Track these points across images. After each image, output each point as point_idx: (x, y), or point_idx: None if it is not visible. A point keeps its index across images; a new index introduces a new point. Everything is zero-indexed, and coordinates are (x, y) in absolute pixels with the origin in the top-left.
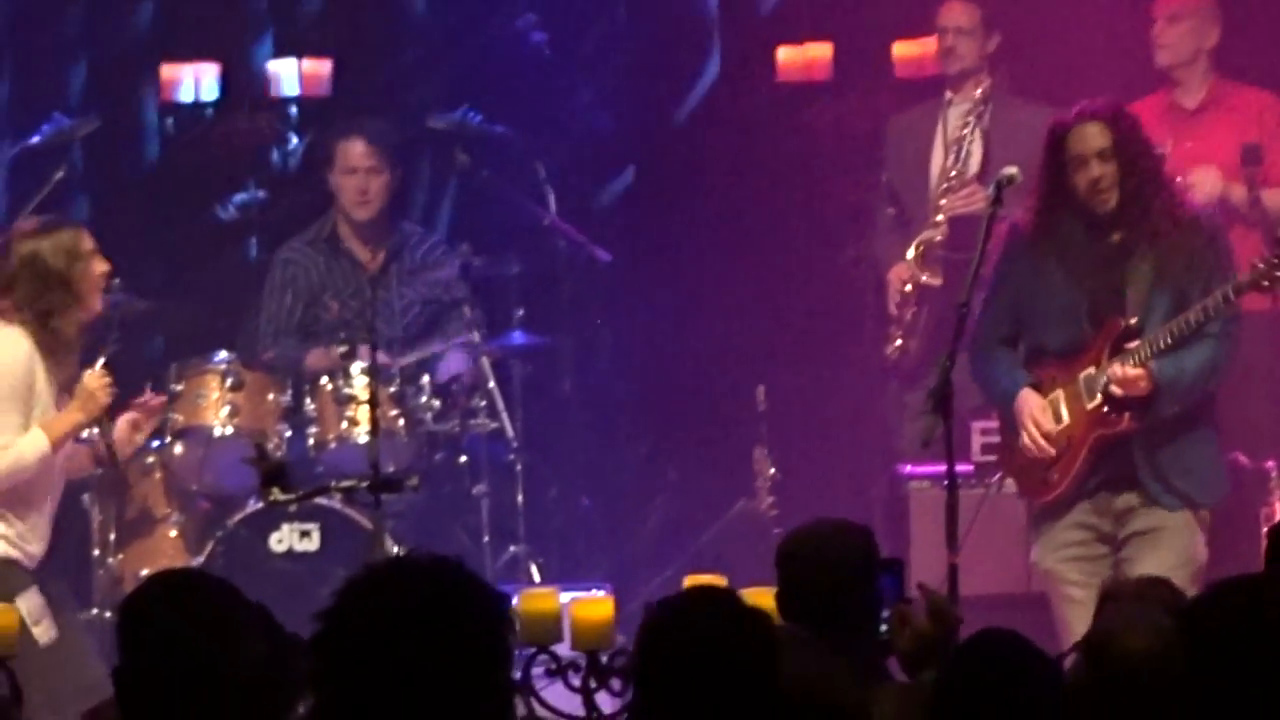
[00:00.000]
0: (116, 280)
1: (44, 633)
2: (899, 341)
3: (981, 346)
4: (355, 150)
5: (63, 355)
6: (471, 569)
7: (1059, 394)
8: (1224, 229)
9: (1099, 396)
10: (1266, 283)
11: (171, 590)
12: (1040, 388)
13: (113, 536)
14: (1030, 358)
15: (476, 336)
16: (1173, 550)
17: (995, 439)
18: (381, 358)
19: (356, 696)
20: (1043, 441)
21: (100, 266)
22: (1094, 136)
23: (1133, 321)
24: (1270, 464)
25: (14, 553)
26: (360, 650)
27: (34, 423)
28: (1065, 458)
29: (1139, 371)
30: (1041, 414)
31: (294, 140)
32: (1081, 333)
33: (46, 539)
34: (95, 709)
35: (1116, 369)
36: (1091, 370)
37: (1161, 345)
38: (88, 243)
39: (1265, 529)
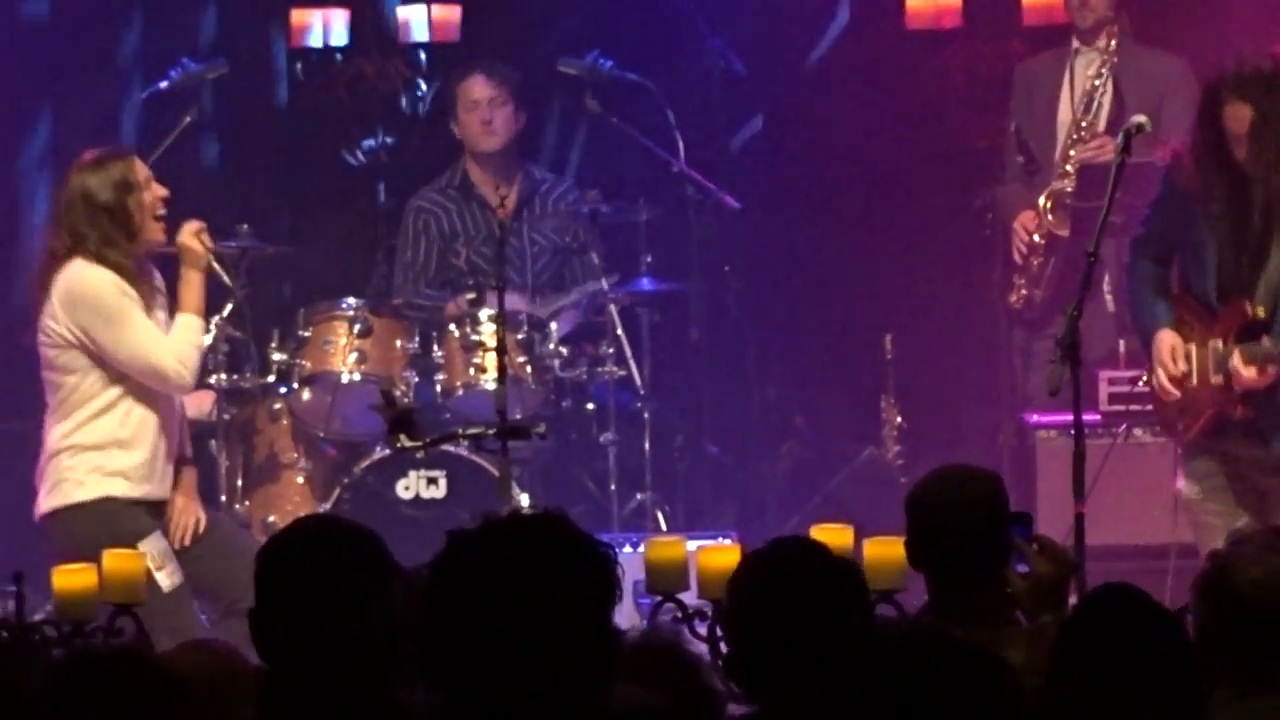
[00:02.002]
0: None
1: (168, 578)
2: (1024, 290)
3: (1134, 259)
4: (476, 84)
5: (136, 284)
6: (576, 522)
7: (1193, 347)
8: None
9: (1223, 376)
10: None
11: (314, 535)
12: (1180, 328)
13: (240, 483)
14: (1178, 288)
15: (605, 283)
16: None
17: (1123, 388)
18: (517, 302)
19: (465, 645)
20: (1170, 387)
21: (156, 193)
22: (1239, 117)
23: (1260, 313)
24: None
25: (135, 492)
26: (468, 602)
27: None
28: (1191, 411)
29: (1254, 374)
30: (1172, 360)
31: (423, 86)
32: (1219, 290)
33: (167, 481)
34: (204, 642)
35: (1241, 366)
36: (1219, 344)
37: None
38: (140, 172)
39: None
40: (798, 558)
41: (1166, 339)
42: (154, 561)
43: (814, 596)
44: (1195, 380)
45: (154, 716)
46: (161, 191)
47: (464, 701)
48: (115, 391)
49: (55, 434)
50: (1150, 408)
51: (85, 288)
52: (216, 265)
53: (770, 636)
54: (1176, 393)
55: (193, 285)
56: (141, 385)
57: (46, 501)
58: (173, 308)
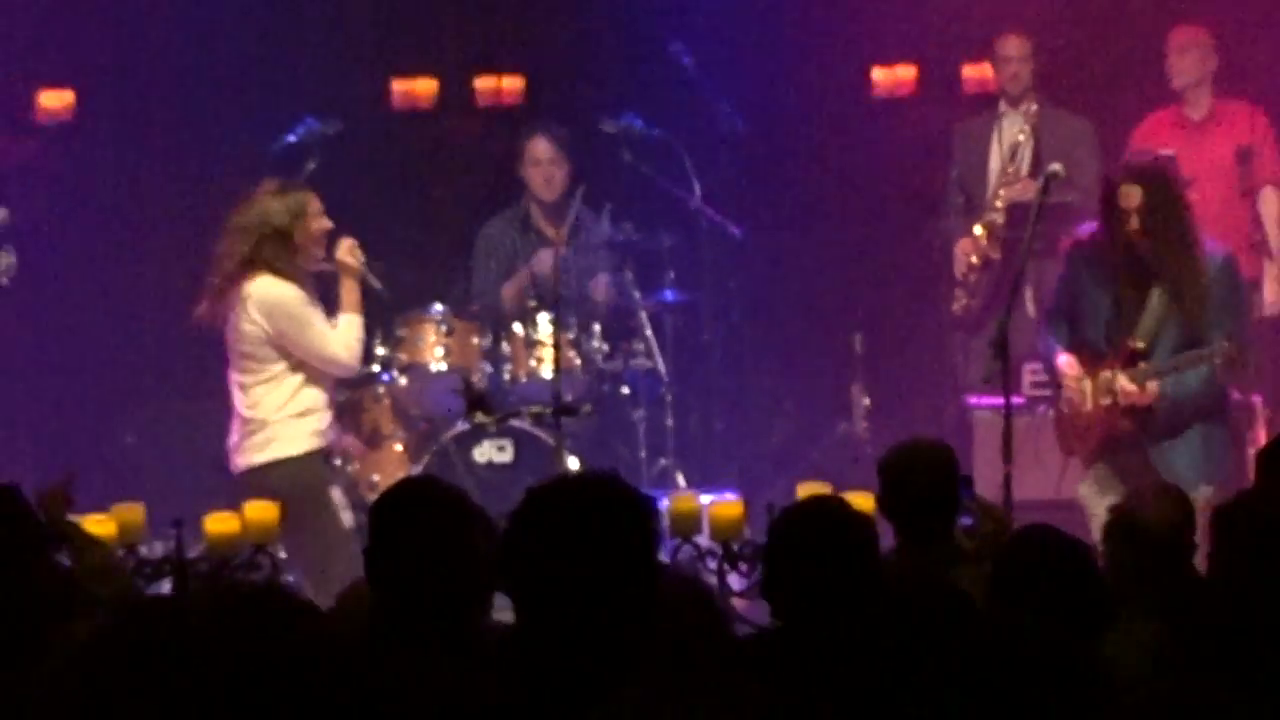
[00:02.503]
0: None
1: (349, 519)
2: (963, 301)
3: (1045, 328)
4: (539, 146)
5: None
6: (626, 479)
7: (1087, 381)
8: (1238, 273)
9: (1110, 398)
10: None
11: (419, 491)
12: (1084, 364)
13: (333, 433)
14: (1073, 343)
15: (637, 294)
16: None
17: (1042, 377)
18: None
19: (538, 579)
20: (1076, 385)
21: (322, 225)
22: (1130, 196)
23: (1140, 345)
24: (1257, 398)
25: (319, 444)
26: (540, 542)
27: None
28: (1086, 434)
29: (1136, 390)
30: (1072, 370)
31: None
32: (1107, 337)
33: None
34: (350, 590)
35: (1125, 384)
36: (1108, 374)
37: (1164, 372)
38: (315, 204)
39: (1252, 452)
40: (825, 511)
41: (1064, 358)
42: (340, 503)
43: (838, 540)
44: (1089, 406)
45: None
46: (328, 224)
47: (540, 625)
48: (303, 373)
49: (267, 403)
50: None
51: (273, 297)
52: (368, 274)
53: (801, 569)
54: (1081, 391)
55: (351, 291)
56: (314, 367)
57: (263, 455)
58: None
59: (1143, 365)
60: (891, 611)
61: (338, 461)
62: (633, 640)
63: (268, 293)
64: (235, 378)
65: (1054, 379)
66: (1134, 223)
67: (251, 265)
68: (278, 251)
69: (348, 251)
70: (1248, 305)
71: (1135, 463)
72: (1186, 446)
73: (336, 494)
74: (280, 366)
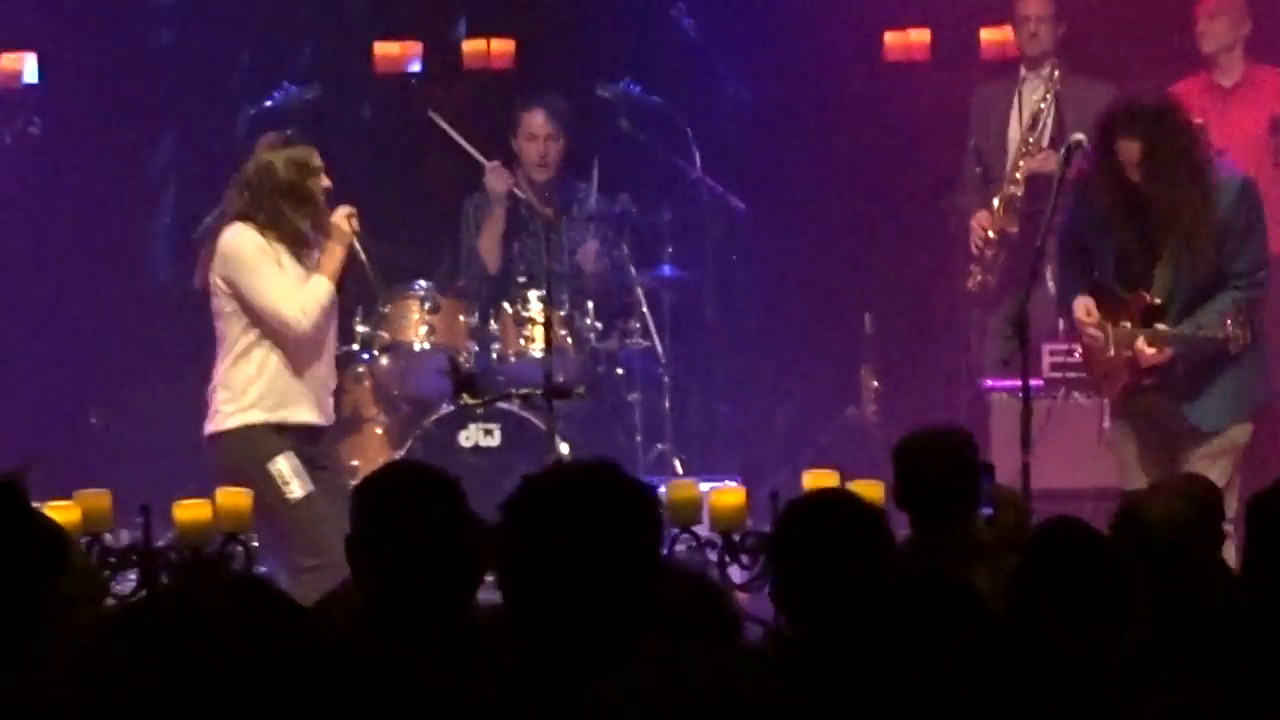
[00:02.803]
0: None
1: (295, 490)
2: (979, 277)
3: (1060, 253)
4: (536, 120)
5: (299, 250)
6: (624, 467)
7: (1108, 325)
8: (1257, 199)
9: (1131, 352)
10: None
11: (403, 476)
12: (1102, 309)
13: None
14: (1091, 280)
15: (633, 269)
16: (1211, 444)
17: (1062, 359)
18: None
19: (535, 577)
20: (1094, 330)
21: (324, 182)
22: (1128, 150)
23: (1157, 301)
24: None
25: (273, 417)
26: (537, 539)
27: None
28: (1111, 377)
29: (1154, 353)
30: (1087, 314)
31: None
32: (1122, 282)
33: (318, 407)
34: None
35: (1144, 347)
36: (1127, 325)
37: (1177, 340)
38: (317, 160)
39: None
40: (835, 506)
41: (1081, 302)
42: (283, 478)
43: (849, 537)
44: (1112, 352)
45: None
46: (328, 183)
47: (537, 620)
48: (252, 336)
49: (218, 370)
50: (1084, 375)
51: (232, 245)
52: (359, 247)
53: (810, 569)
54: (1098, 335)
55: (333, 255)
56: (271, 332)
57: (208, 426)
58: None
59: (1159, 327)
60: (895, 611)
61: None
62: (633, 638)
63: (225, 240)
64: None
65: (1069, 319)
66: (1136, 175)
67: (238, 219)
68: (285, 207)
69: (344, 217)
70: (1265, 226)
71: (1164, 409)
72: (1214, 398)
73: (282, 464)
74: (231, 327)
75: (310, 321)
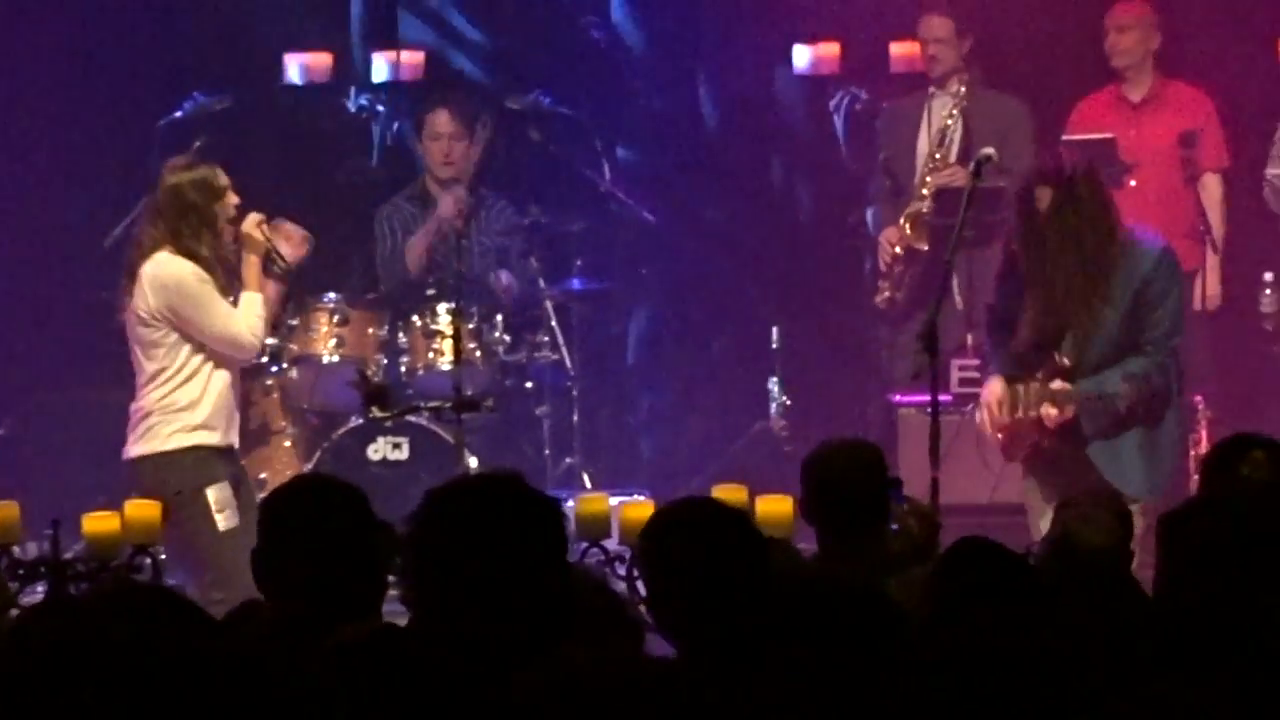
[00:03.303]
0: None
1: (224, 520)
2: (887, 293)
3: (985, 328)
4: (440, 119)
5: (214, 271)
6: (529, 479)
7: (1020, 387)
8: (1177, 266)
9: (1037, 413)
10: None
11: (308, 490)
12: (1013, 379)
13: (237, 446)
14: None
15: (542, 282)
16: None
17: (971, 374)
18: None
19: (440, 589)
20: (988, 428)
21: (232, 200)
22: (1043, 199)
23: (1066, 362)
24: (1198, 398)
25: (210, 439)
26: (442, 551)
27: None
28: (1019, 438)
29: (1058, 414)
30: (996, 402)
31: (392, 119)
32: (1038, 346)
33: (235, 426)
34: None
35: (1047, 408)
36: (1036, 386)
37: (1077, 391)
38: (222, 179)
39: (1193, 454)
40: (698, 513)
41: (993, 385)
42: (216, 506)
43: (714, 545)
44: (1021, 412)
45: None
46: (235, 199)
47: (444, 632)
48: (197, 360)
49: (153, 395)
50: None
51: (171, 276)
52: (274, 251)
53: (679, 579)
54: (992, 434)
55: (253, 267)
56: (216, 353)
57: (138, 448)
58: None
59: (1059, 384)
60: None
61: None
62: (541, 646)
63: (161, 270)
64: (135, 364)
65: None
66: (1048, 226)
67: (161, 243)
68: (196, 231)
69: (254, 225)
70: (1185, 298)
71: (1068, 475)
72: (1124, 453)
73: (216, 493)
74: (172, 353)
75: (260, 339)
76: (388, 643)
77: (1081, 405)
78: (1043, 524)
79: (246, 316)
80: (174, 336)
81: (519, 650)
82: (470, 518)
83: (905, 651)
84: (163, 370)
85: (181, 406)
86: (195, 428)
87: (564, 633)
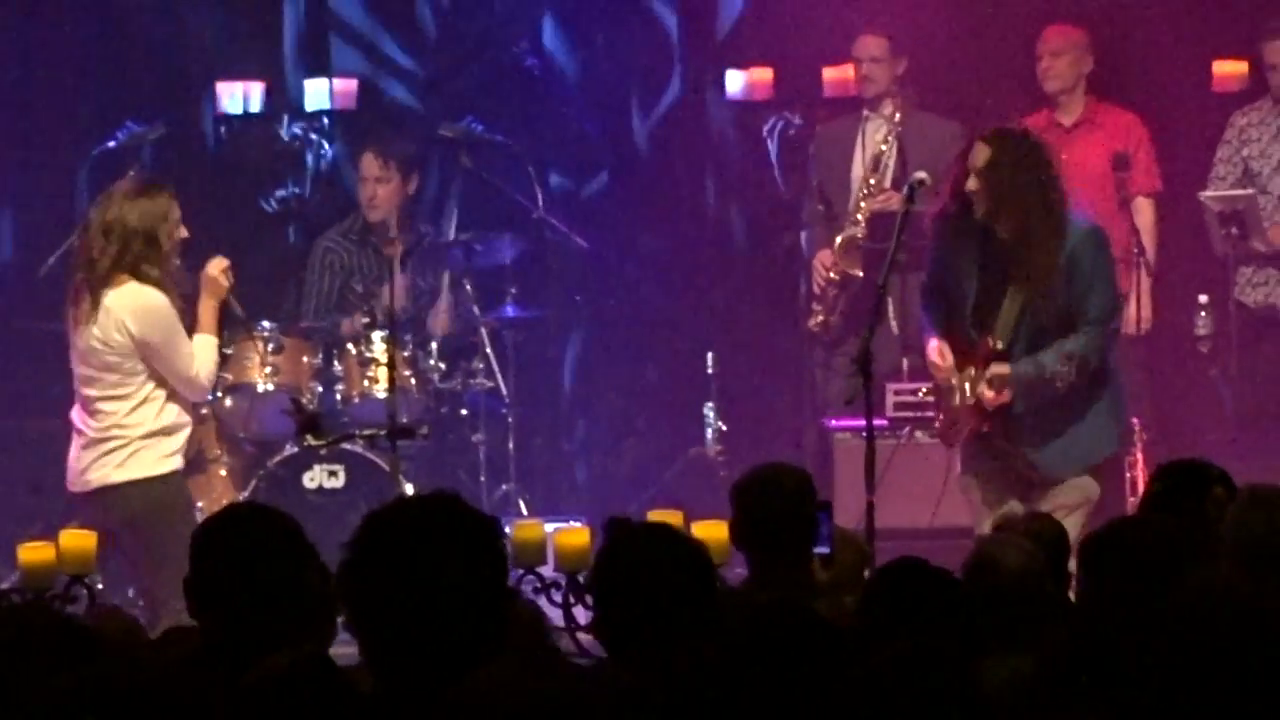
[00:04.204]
0: (176, 262)
1: None
2: (821, 317)
3: (922, 306)
4: (366, 161)
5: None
6: (467, 500)
7: (957, 373)
8: (1105, 242)
9: (974, 398)
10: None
11: (241, 519)
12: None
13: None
14: (948, 324)
15: (476, 309)
16: (1064, 497)
17: (907, 398)
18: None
19: (381, 610)
20: (943, 377)
21: (180, 232)
22: (979, 153)
23: (999, 345)
24: (1134, 420)
25: (181, 465)
26: (381, 571)
27: None
28: (957, 425)
29: (994, 396)
30: (939, 356)
31: (325, 146)
32: (975, 321)
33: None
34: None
35: (983, 390)
36: (971, 371)
37: (1013, 374)
38: (176, 211)
39: (1128, 475)
40: (654, 539)
41: (934, 345)
42: None
43: (667, 569)
44: (958, 400)
45: (60, 663)
46: (184, 233)
47: (385, 656)
48: (164, 390)
49: (121, 421)
50: (929, 415)
51: (151, 308)
52: (232, 298)
53: (629, 602)
54: (948, 378)
55: (211, 311)
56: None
57: (117, 474)
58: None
59: (995, 368)
60: (751, 642)
61: None
62: (481, 664)
63: (138, 301)
64: (86, 393)
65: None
66: (973, 183)
67: (117, 270)
68: (147, 256)
69: (220, 270)
70: (1115, 274)
71: (1012, 454)
72: (1063, 444)
73: (199, 516)
74: (141, 380)
75: (211, 384)
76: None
77: (1017, 386)
78: (985, 525)
79: (203, 360)
80: (132, 362)
81: (455, 670)
82: (409, 539)
83: (837, 669)
84: (132, 395)
85: (165, 429)
86: (174, 453)
87: (498, 652)
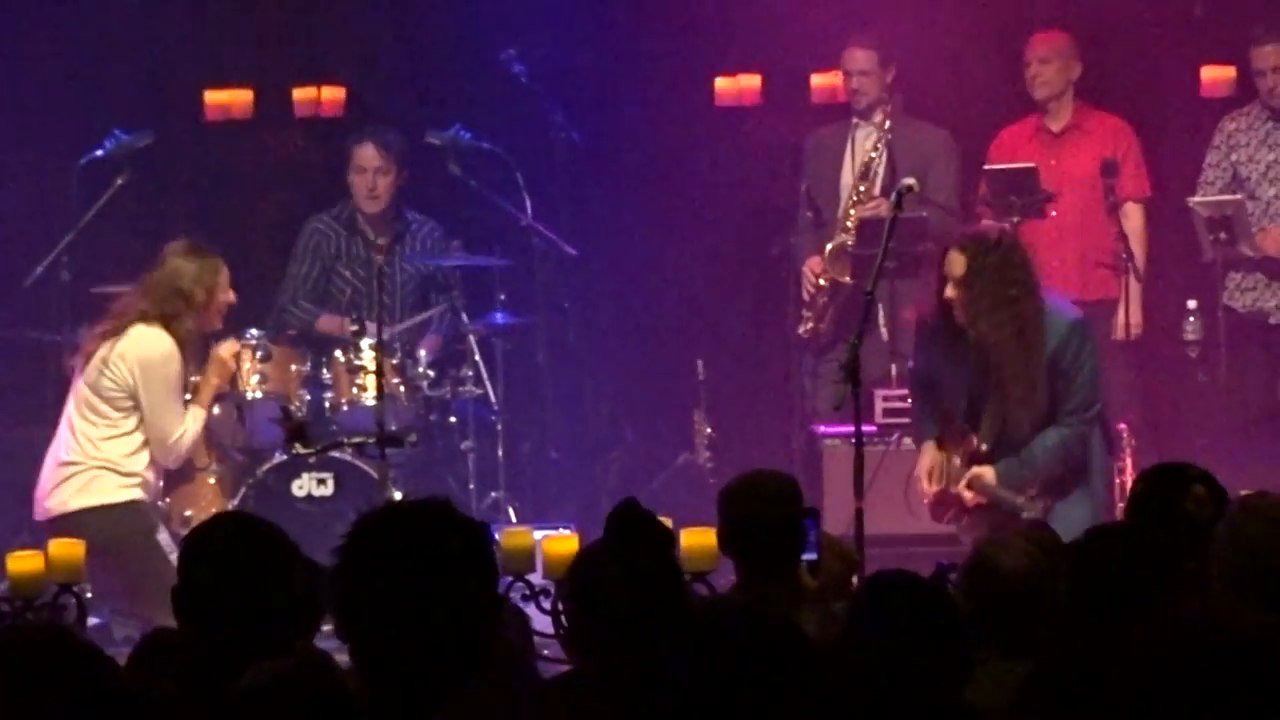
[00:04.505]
0: None
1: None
2: (810, 323)
3: (911, 392)
4: (365, 153)
5: (184, 353)
6: (456, 506)
7: (944, 458)
8: (1088, 336)
9: (954, 490)
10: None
11: (230, 528)
12: (942, 443)
13: (161, 483)
14: (939, 415)
15: (465, 318)
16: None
17: (895, 404)
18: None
19: (371, 616)
20: (923, 488)
21: (228, 297)
22: (955, 263)
23: (984, 448)
24: (1122, 426)
25: (147, 497)
26: (371, 577)
27: None
28: (945, 504)
29: (974, 497)
30: (926, 473)
31: (312, 153)
32: (968, 416)
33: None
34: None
35: (964, 490)
36: (956, 462)
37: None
38: (225, 274)
39: (1117, 480)
40: (624, 549)
41: (925, 455)
42: (167, 550)
43: (635, 580)
44: (947, 482)
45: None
46: (232, 298)
47: (374, 662)
48: (143, 437)
49: (96, 451)
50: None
51: (162, 355)
52: (237, 386)
53: (600, 613)
54: (928, 496)
55: (210, 387)
56: None
57: (79, 499)
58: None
59: (977, 471)
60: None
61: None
62: (471, 671)
63: (151, 347)
64: (73, 422)
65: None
66: (951, 292)
67: (150, 316)
68: (183, 311)
69: (230, 353)
70: (1099, 366)
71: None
72: (1078, 515)
73: (165, 538)
74: (131, 420)
75: (184, 454)
76: (299, 679)
77: (992, 498)
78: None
79: (188, 428)
80: (124, 393)
81: (447, 678)
82: (400, 545)
83: (815, 682)
84: (117, 429)
85: (116, 459)
86: (136, 484)
87: (488, 660)
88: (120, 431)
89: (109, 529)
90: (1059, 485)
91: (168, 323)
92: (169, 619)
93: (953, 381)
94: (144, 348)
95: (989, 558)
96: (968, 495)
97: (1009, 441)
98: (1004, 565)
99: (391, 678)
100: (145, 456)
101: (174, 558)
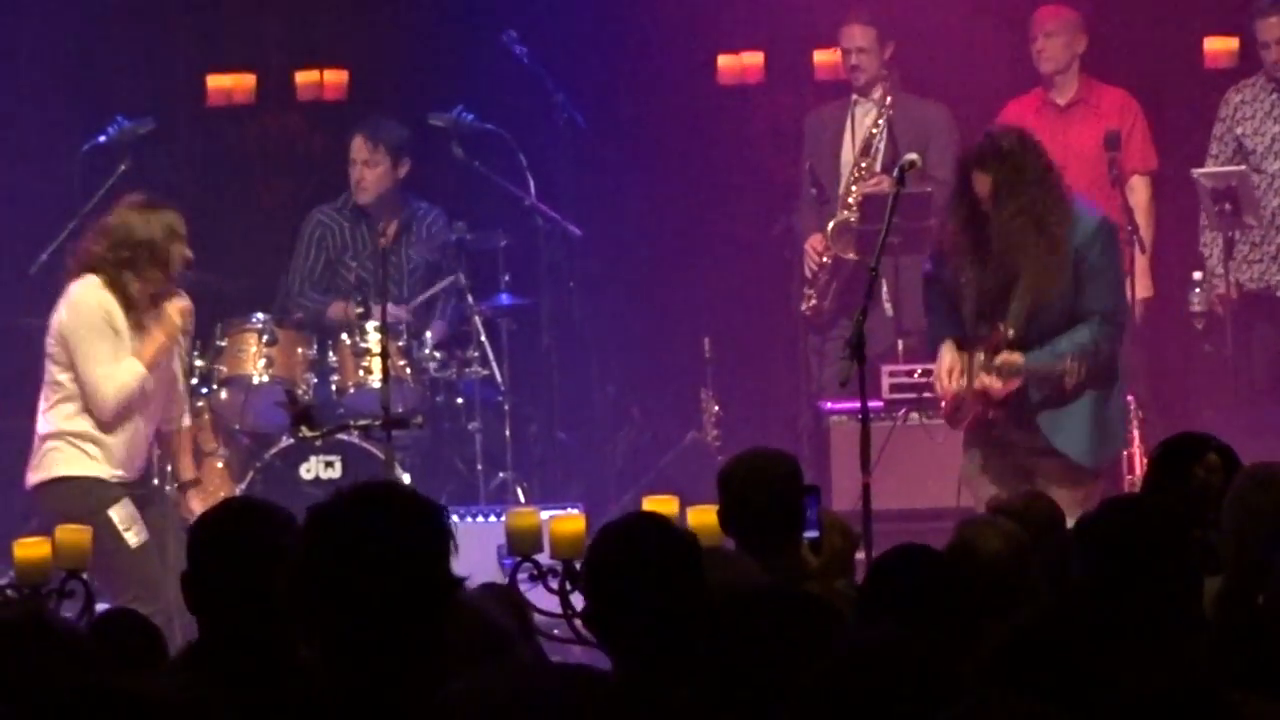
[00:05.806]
0: None
1: (134, 536)
2: (814, 301)
3: (925, 301)
4: (355, 145)
5: (135, 311)
6: (409, 487)
7: (968, 357)
8: (1115, 239)
9: (978, 385)
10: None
11: (238, 514)
12: (961, 345)
13: (169, 468)
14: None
15: (470, 299)
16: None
17: (901, 379)
18: (395, 311)
19: (324, 606)
20: (943, 386)
21: (184, 253)
22: (982, 184)
23: (1011, 333)
24: (1129, 397)
25: (101, 471)
26: (321, 566)
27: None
28: (962, 409)
29: (1001, 386)
30: (947, 372)
31: (315, 137)
32: (981, 318)
33: (140, 457)
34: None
35: (985, 379)
36: (981, 357)
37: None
38: (182, 227)
39: (1125, 451)
40: (645, 528)
41: (945, 354)
42: (123, 524)
43: (657, 560)
44: (966, 383)
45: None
46: (188, 254)
47: (333, 647)
48: (79, 392)
49: (49, 419)
50: (926, 395)
51: (83, 303)
52: (181, 345)
53: (621, 593)
54: (947, 393)
55: (154, 342)
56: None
57: (36, 475)
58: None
59: (1005, 356)
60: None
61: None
62: (429, 654)
63: (79, 292)
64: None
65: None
66: (988, 208)
67: (96, 266)
68: (138, 264)
69: (177, 311)
70: (1122, 270)
71: (1015, 441)
72: (1072, 418)
73: (119, 512)
74: (69, 377)
75: (116, 404)
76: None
77: (1028, 377)
78: (979, 492)
79: (121, 378)
80: (65, 358)
81: (407, 661)
82: (351, 527)
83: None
84: (62, 392)
85: (80, 434)
86: (97, 460)
87: (442, 642)
88: (64, 395)
89: (56, 505)
90: (1088, 383)
91: (114, 277)
92: (119, 598)
93: (964, 291)
94: (73, 295)
95: (967, 540)
96: (995, 386)
97: (1037, 330)
98: (981, 547)
99: (354, 664)
100: (93, 428)
101: (128, 535)
